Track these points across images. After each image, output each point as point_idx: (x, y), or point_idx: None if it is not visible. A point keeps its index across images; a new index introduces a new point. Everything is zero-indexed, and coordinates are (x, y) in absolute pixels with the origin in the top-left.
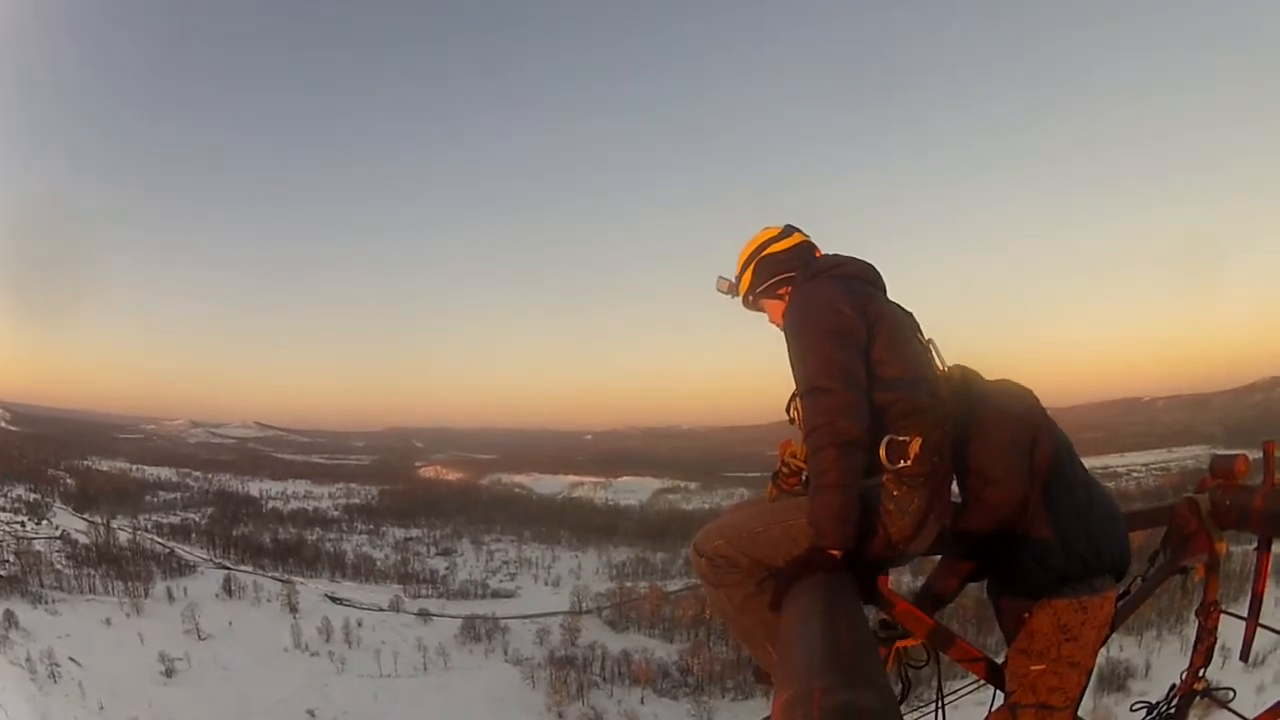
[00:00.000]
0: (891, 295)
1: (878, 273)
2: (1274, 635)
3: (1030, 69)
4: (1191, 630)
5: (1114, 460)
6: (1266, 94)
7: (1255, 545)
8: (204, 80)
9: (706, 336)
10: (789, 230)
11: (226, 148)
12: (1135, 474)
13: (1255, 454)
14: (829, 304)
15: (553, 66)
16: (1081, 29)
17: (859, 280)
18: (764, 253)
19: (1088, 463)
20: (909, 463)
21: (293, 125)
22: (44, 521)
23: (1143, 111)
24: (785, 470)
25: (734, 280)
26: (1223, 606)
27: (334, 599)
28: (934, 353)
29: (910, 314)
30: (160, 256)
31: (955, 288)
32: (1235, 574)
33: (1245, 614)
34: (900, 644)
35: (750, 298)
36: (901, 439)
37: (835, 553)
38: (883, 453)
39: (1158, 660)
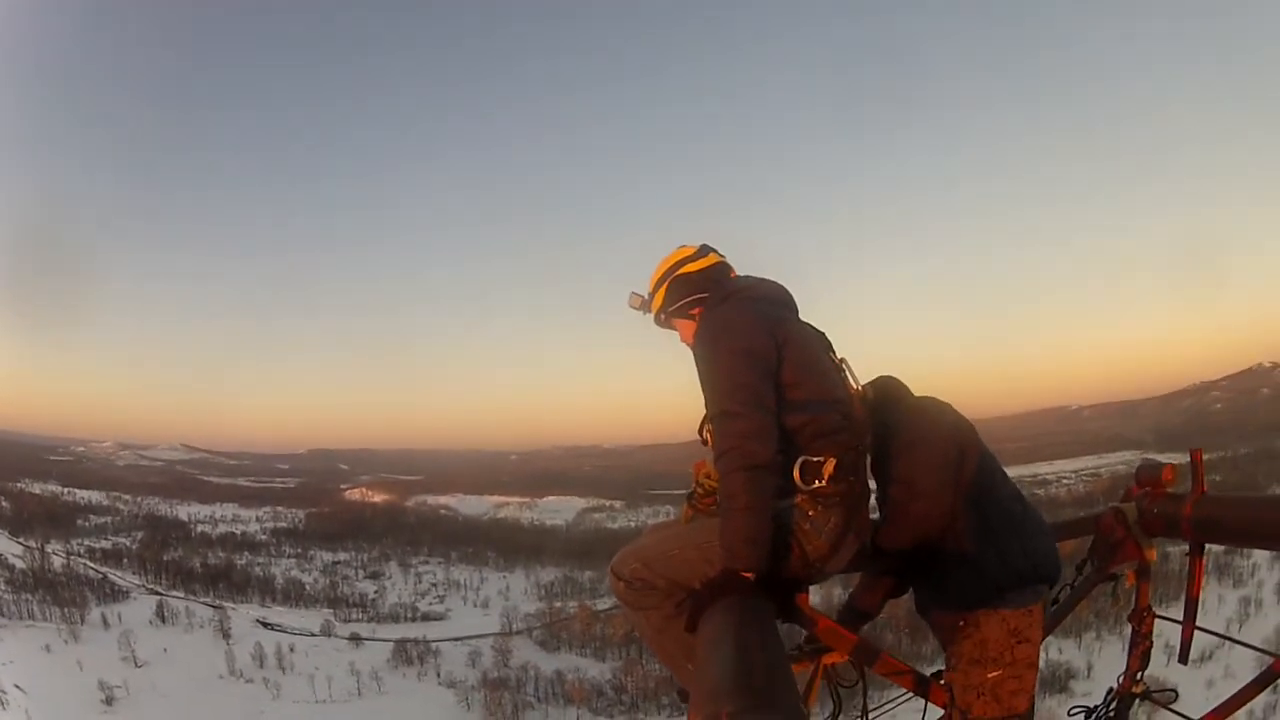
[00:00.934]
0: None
1: (789, 294)
2: (1213, 635)
3: (1031, 70)
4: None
5: (1043, 468)
6: (1231, 99)
7: (1187, 551)
8: (143, 93)
9: (628, 354)
10: (704, 250)
11: (155, 162)
12: (1065, 480)
13: (1186, 457)
14: (739, 326)
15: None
16: (1082, 31)
17: (769, 302)
18: (677, 272)
19: (1016, 471)
20: (823, 483)
21: (233, 138)
22: None
23: (1121, 115)
24: (700, 491)
25: (647, 297)
26: (1156, 611)
27: (266, 624)
28: (847, 372)
29: (822, 334)
30: (82, 276)
31: (897, 291)
32: (1165, 577)
33: (1179, 618)
34: (826, 660)
35: (662, 316)
36: (815, 459)
37: (748, 575)
38: (797, 473)
39: (1099, 661)
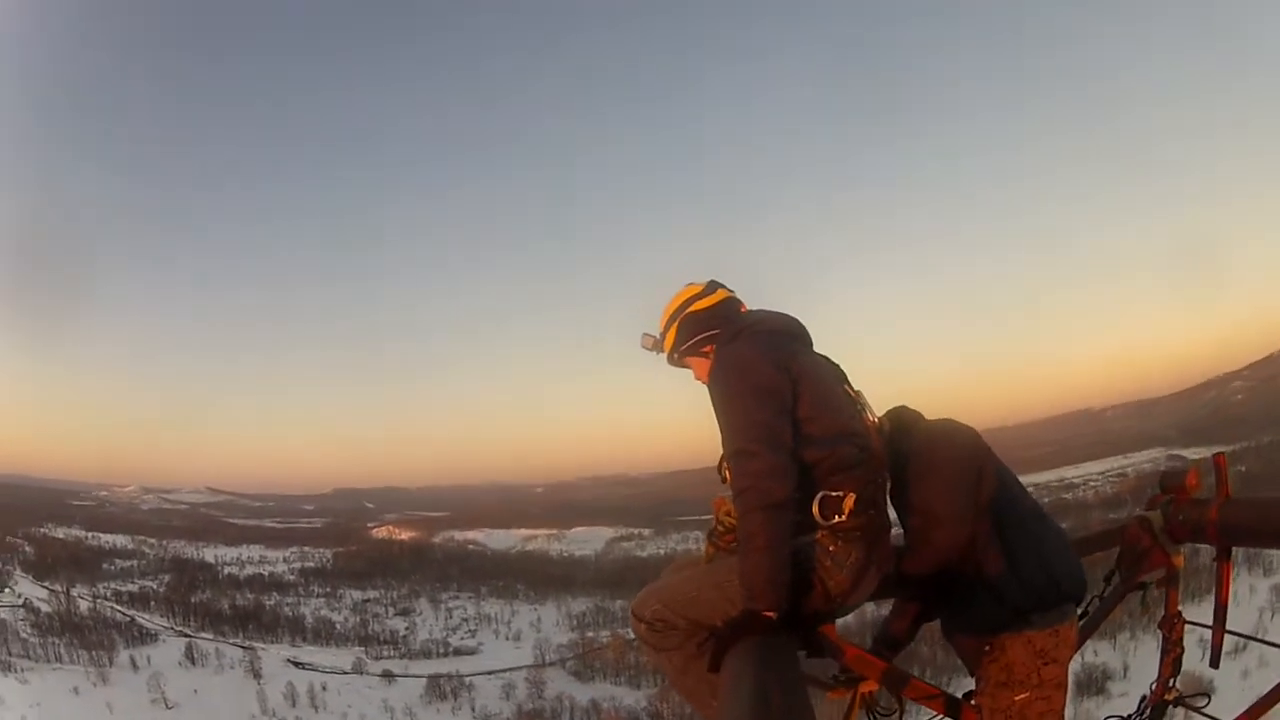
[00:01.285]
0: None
1: (802, 326)
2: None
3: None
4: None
5: (1070, 472)
6: (1228, 94)
7: (1214, 556)
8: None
9: (649, 380)
10: (712, 287)
11: (173, 189)
12: (1093, 483)
13: (1216, 449)
14: (752, 363)
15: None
16: (1082, 33)
17: (782, 335)
18: (686, 311)
19: (1043, 477)
20: (843, 518)
21: (255, 177)
22: (5, 590)
23: (1121, 115)
24: (720, 528)
25: (658, 337)
26: (1186, 614)
27: (296, 663)
28: (863, 404)
29: (836, 366)
30: (101, 318)
31: (907, 302)
32: (1196, 572)
33: (1209, 622)
34: (864, 689)
35: (674, 356)
36: (835, 494)
37: (770, 614)
38: (816, 509)
39: (1134, 660)
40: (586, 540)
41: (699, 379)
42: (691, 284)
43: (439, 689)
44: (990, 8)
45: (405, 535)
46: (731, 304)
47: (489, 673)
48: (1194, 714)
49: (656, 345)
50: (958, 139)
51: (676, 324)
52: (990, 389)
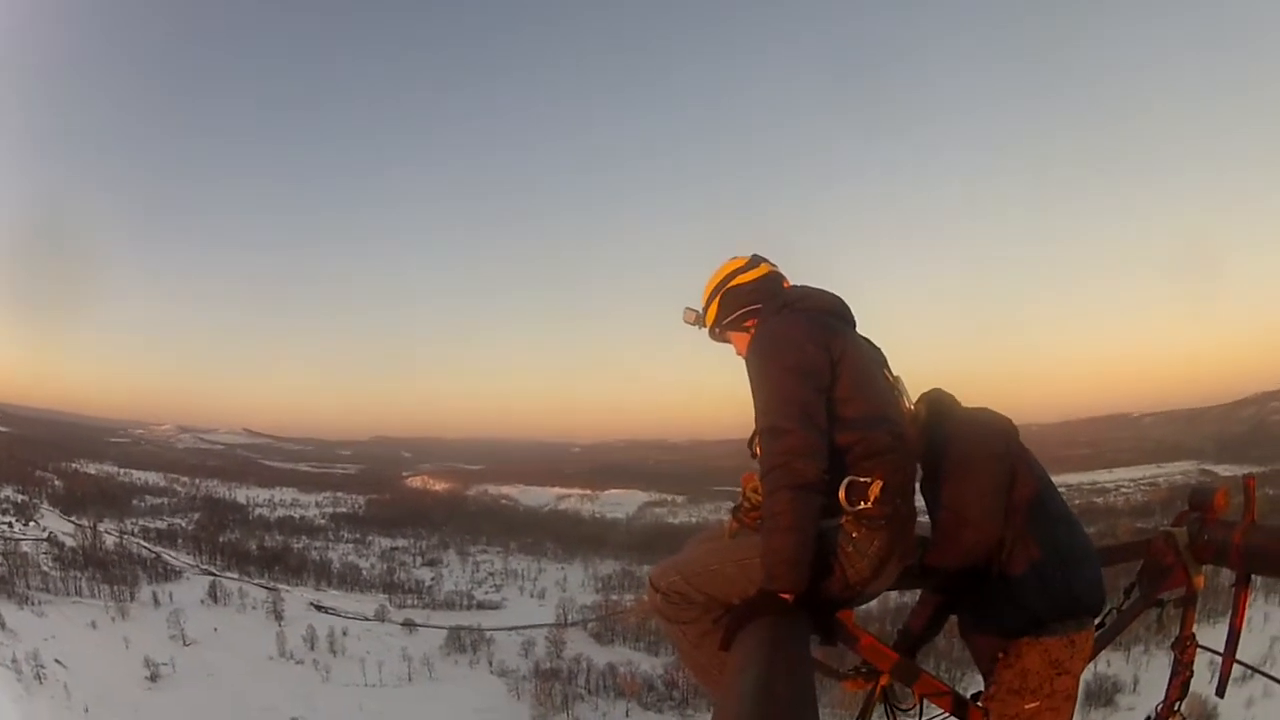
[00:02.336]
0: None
1: (846, 306)
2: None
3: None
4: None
5: (1103, 476)
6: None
7: (1233, 581)
8: (207, 87)
9: (694, 348)
10: (756, 261)
11: (221, 155)
12: (1124, 489)
13: (1248, 468)
14: (793, 340)
15: (550, 74)
16: (1082, 35)
17: (827, 314)
18: (730, 284)
19: (1076, 478)
20: (869, 505)
21: (289, 133)
22: (31, 523)
23: (1142, 116)
24: (746, 504)
25: (700, 311)
26: (1199, 638)
27: (319, 607)
28: (901, 390)
29: (878, 349)
30: (151, 262)
31: (947, 293)
32: (1215, 592)
33: (1220, 648)
34: (884, 682)
35: (716, 330)
36: (862, 480)
37: (787, 596)
38: (842, 494)
39: (1146, 674)
40: (619, 503)
41: (739, 353)
42: (735, 258)
43: (459, 641)
44: (991, 10)
45: (439, 486)
46: (775, 279)
47: (510, 629)
48: None
49: (698, 320)
50: (978, 134)
51: (719, 297)
52: (1028, 385)
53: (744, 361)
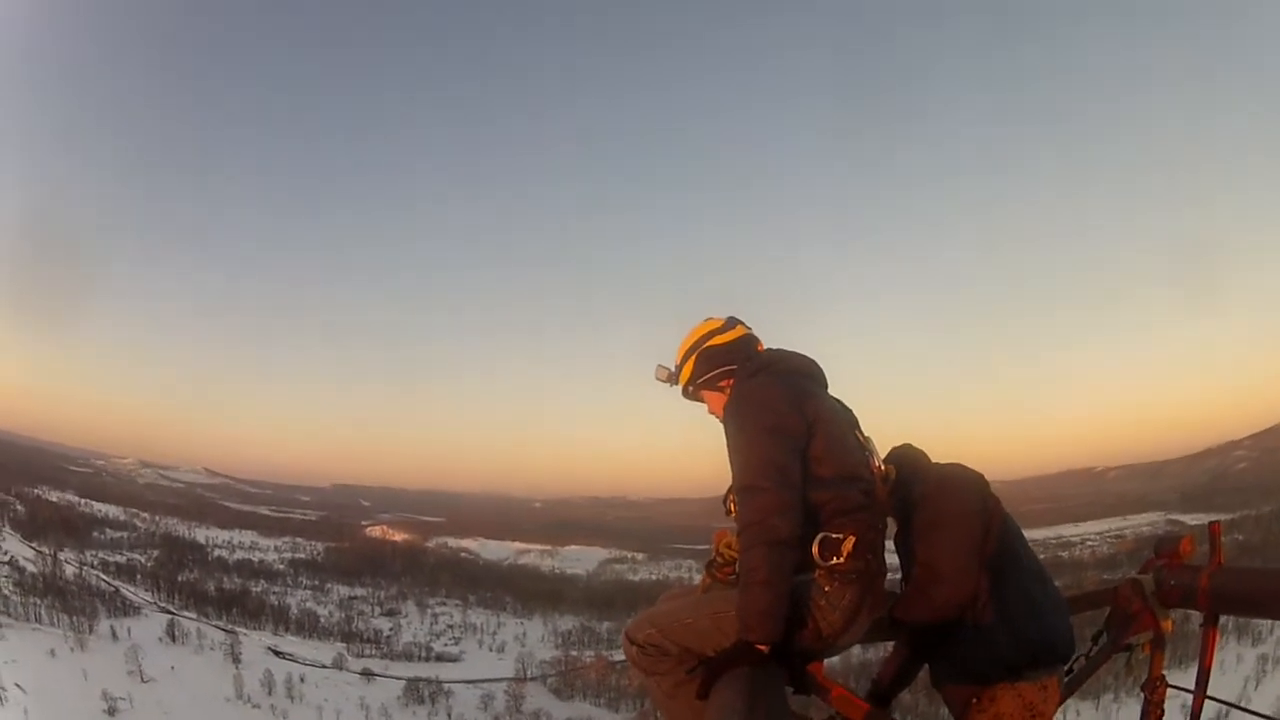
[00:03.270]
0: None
1: (818, 367)
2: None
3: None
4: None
5: (1068, 530)
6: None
7: (1201, 623)
8: (167, 109)
9: (656, 406)
10: (732, 323)
11: (185, 174)
12: (1090, 542)
13: (1215, 516)
14: (769, 402)
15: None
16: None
17: (800, 376)
18: (706, 344)
19: (1042, 533)
20: (841, 559)
21: (242, 165)
22: None
23: (1127, 128)
24: (720, 560)
25: (674, 370)
26: (1169, 679)
27: (277, 652)
28: (871, 450)
29: (849, 410)
30: (115, 289)
31: (908, 350)
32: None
33: (1191, 687)
34: None
35: (690, 388)
36: (835, 536)
37: (762, 647)
38: (816, 549)
39: None
40: (579, 559)
41: (712, 412)
42: (711, 319)
43: (417, 692)
44: (994, 12)
45: (399, 536)
46: (750, 341)
47: (469, 681)
48: None
49: (671, 378)
50: (950, 157)
51: (695, 357)
52: (993, 441)
53: (721, 422)
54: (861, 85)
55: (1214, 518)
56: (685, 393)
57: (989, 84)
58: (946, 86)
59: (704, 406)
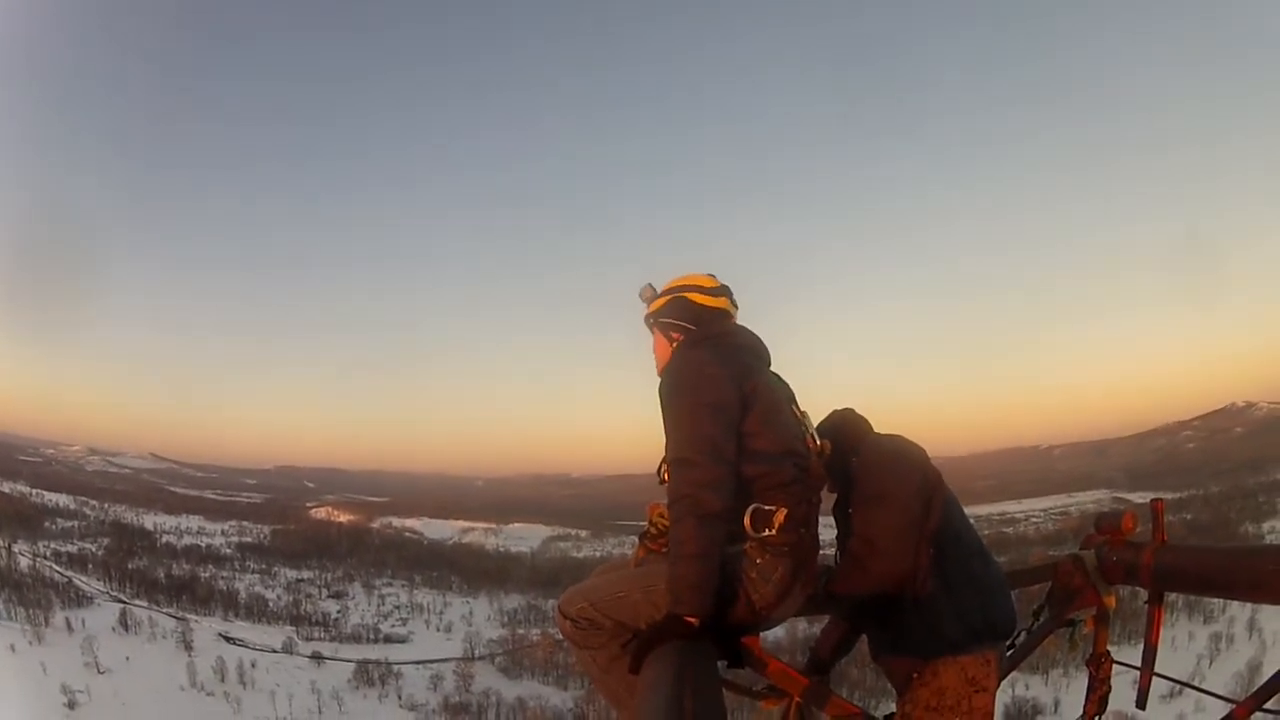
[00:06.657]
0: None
1: (764, 345)
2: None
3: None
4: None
5: (1012, 507)
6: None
7: (1146, 600)
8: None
9: (597, 383)
10: (719, 291)
11: (136, 169)
12: (1034, 519)
13: (1163, 495)
14: (707, 375)
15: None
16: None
17: (744, 351)
18: (684, 293)
19: (985, 509)
20: (773, 532)
21: (202, 149)
22: None
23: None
24: (653, 531)
25: (654, 294)
26: (1115, 655)
27: (228, 639)
28: (808, 426)
29: (786, 385)
30: (56, 278)
31: (862, 325)
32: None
33: (1138, 663)
34: (796, 700)
35: (650, 318)
36: (767, 508)
37: (692, 620)
38: (747, 521)
39: (1066, 697)
40: (524, 537)
41: (655, 353)
42: (711, 277)
43: (367, 675)
44: (994, 14)
45: (344, 518)
46: (720, 317)
47: (418, 662)
48: None
49: (650, 299)
50: (935, 164)
51: (670, 298)
52: (938, 417)
53: (658, 376)
54: (861, 85)
55: (1161, 496)
56: (645, 319)
57: (985, 71)
58: (943, 77)
59: (650, 343)
